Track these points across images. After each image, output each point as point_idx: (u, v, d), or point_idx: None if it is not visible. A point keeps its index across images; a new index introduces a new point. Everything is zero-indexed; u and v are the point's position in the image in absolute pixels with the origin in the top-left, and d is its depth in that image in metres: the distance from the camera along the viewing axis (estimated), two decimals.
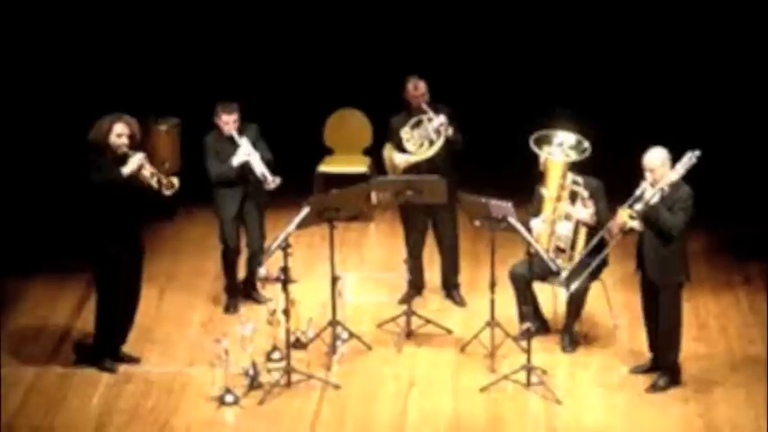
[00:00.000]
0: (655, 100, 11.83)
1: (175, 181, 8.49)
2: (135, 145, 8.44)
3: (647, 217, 8.08)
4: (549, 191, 8.75)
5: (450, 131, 9.24)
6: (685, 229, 8.16)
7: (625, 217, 8.05)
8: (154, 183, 8.43)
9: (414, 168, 9.32)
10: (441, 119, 9.23)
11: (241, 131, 9.31)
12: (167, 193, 8.46)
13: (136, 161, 8.36)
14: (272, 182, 9.28)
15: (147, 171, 8.42)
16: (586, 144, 8.74)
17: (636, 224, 8.08)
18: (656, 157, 8.09)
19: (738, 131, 11.49)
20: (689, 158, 8.08)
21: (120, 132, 8.35)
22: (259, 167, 9.27)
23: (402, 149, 9.35)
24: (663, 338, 8.35)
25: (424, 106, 9.28)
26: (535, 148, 8.72)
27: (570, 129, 8.86)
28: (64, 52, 11.70)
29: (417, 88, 9.32)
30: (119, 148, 8.35)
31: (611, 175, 8.79)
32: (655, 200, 8.06)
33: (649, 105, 11.78)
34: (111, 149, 8.35)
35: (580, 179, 8.70)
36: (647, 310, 8.45)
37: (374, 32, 12.00)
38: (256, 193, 9.42)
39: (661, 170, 8.07)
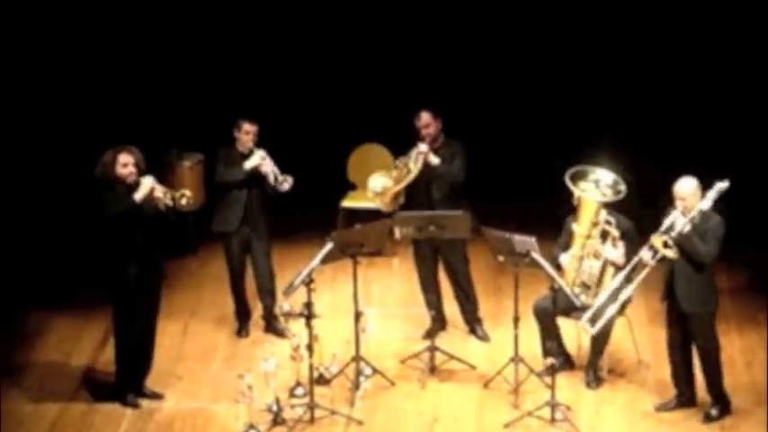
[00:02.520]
0: (688, 134, 11.82)
1: (187, 191, 8.50)
2: (142, 173, 8.47)
3: (681, 246, 8.07)
4: (580, 227, 8.72)
5: (435, 160, 9.24)
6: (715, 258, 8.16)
7: (659, 245, 8.03)
8: (168, 200, 8.45)
9: (414, 204, 9.32)
10: (420, 147, 9.24)
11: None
12: (183, 203, 8.46)
13: (147, 185, 8.40)
14: (285, 180, 9.35)
15: (160, 191, 8.45)
16: (623, 186, 8.70)
17: (670, 252, 8.06)
18: (687, 187, 8.11)
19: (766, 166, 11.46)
20: (718, 188, 8.09)
21: (125, 162, 8.39)
22: (271, 171, 9.34)
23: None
24: (706, 368, 8.34)
25: (426, 138, 9.28)
26: (570, 184, 8.70)
27: (609, 162, 8.83)
28: (87, 88, 11.76)
29: (420, 119, 9.34)
30: (128, 178, 8.39)
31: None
32: (686, 229, 8.06)
33: (682, 139, 11.77)
34: (120, 180, 8.40)
35: (613, 219, 8.66)
36: (673, 342, 8.43)
37: (400, 67, 12.04)
38: (260, 217, 9.45)
39: (692, 199, 8.09)
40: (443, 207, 9.21)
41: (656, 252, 8.13)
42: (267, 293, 9.64)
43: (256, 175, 9.38)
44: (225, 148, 9.50)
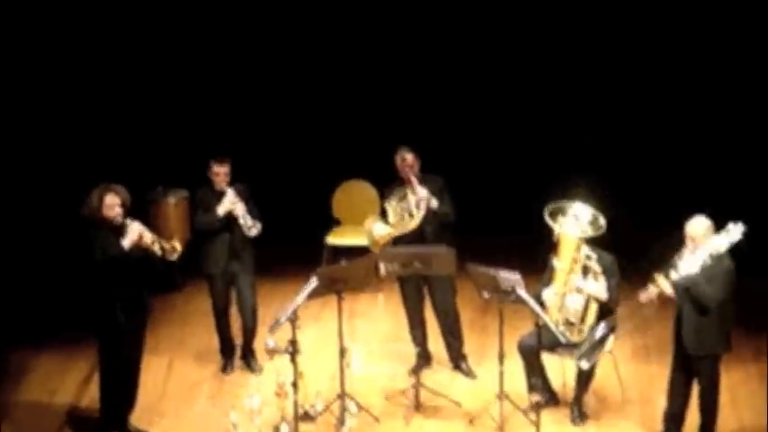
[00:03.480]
0: (677, 170, 11.89)
1: (177, 245, 8.51)
2: (128, 212, 8.47)
3: (686, 287, 8.08)
4: (560, 263, 8.74)
5: (435, 203, 9.27)
6: (727, 302, 8.11)
7: (662, 283, 8.04)
8: (156, 249, 8.46)
9: (402, 240, 9.34)
10: (421, 193, 9.26)
11: (231, 186, 9.47)
12: (172, 257, 8.49)
13: (134, 233, 8.40)
14: (253, 227, 9.39)
15: (148, 239, 8.46)
16: (602, 221, 8.72)
17: (668, 289, 8.07)
18: (699, 226, 8.09)
19: (754, 194, 11.50)
20: (733, 232, 8.04)
21: (111, 204, 8.38)
22: (242, 214, 9.39)
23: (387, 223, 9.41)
24: (704, 409, 8.33)
25: (412, 178, 9.32)
26: (549, 221, 8.72)
27: (589, 199, 8.86)
28: (69, 124, 11.78)
29: (404, 160, 9.36)
30: (114, 220, 8.39)
31: (632, 247, 8.77)
32: (693, 270, 8.06)
33: (669, 175, 11.82)
34: (106, 222, 8.39)
35: (593, 254, 8.68)
36: (677, 383, 8.40)
37: (383, 103, 12.10)
38: (245, 251, 9.50)
39: (703, 240, 8.06)
40: (434, 242, 9.23)
41: (657, 288, 8.13)
42: (248, 328, 9.67)
43: (234, 216, 9.42)
44: (202, 189, 9.55)
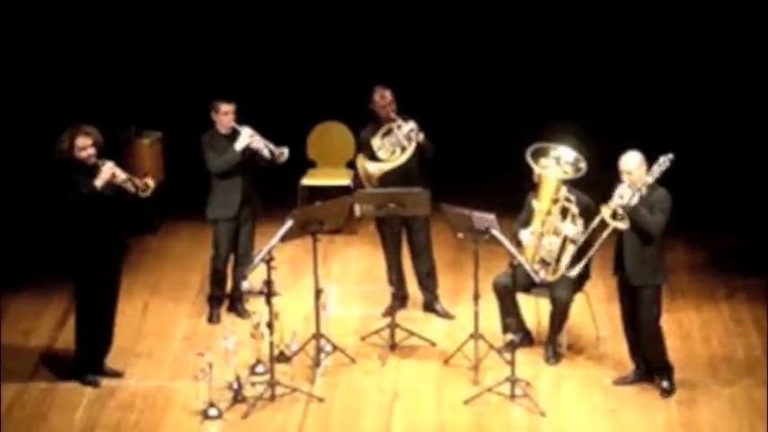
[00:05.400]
0: (644, 113, 11.89)
1: (150, 182, 8.48)
2: (102, 151, 8.42)
3: (630, 218, 8.14)
4: (540, 204, 8.76)
5: (422, 136, 9.26)
6: (664, 231, 8.22)
7: (608, 216, 8.09)
8: (130, 187, 8.43)
9: (388, 176, 9.33)
10: (411, 124, 9.25)
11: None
12: (145, 194, 8.46)
13: (106, 172, 8.36)
14: (281, 154, 9.28)
15: (120, 177, 8.42)
16: (583, 165, 8.73)
17: (621, 224, 8.12)
18: (633, 160, 8.19)
19: (728, 145, 11.51)
20: (663, 161, 8.20)
21: (82, 146, 8.34)
22: (264, 146, 9.26)
23: (375, 160, 9.37)
24: (647, 340, 8.40)
25: (393, 114, 9.29)
26: (530, 161, 8.72)
27: (573, 144, 8.86)
28: (43, 65, 11.68)
29: (384, 97, 9.33)
30: (87, 160, 8.36)
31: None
32: (633, 201, 8.14)
33: (640, 117, 11.84)
34: (79, 164, 8.36)
35: (572, 196, 8.70)
36: (626, 314, 8.51)
37: (359, 45, 12.04)
38: (253, 196, 9.43)
39: (638, 172, 8.18)
40: (419, 177, 9.24)
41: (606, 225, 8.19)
42: (241, 275, 9.54)
43: (249, 154, 9.28)
44: (207, 133, 9.34)
